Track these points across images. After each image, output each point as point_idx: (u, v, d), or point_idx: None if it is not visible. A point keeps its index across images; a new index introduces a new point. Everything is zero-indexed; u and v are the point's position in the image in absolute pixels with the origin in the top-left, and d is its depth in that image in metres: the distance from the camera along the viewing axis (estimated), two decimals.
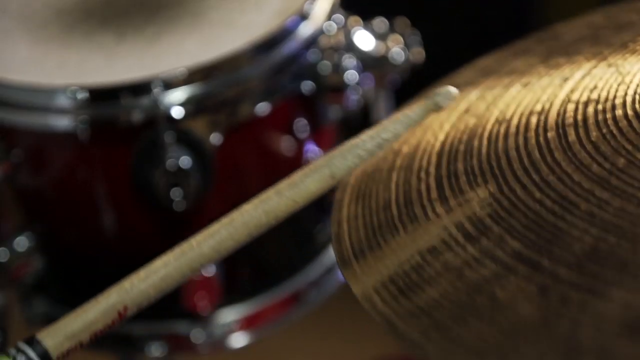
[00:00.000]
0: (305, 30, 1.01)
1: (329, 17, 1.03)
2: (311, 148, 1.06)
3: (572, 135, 0.70)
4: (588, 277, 0.60)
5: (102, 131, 0.97)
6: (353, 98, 1.04)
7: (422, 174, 0.73)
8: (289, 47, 0.99)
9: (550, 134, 0.71)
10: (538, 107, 0.75)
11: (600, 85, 0.74)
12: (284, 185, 0.75)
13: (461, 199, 0.69)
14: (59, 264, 1.08)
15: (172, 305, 1.02)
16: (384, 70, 1.07)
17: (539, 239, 0.63)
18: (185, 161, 0.95)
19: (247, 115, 0.99)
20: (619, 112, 0.70)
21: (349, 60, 1.02)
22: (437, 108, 0.75)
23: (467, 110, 0.79)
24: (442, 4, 1.92)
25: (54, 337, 0.64)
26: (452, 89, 0.76)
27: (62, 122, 0.96)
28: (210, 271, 1.00)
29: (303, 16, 1.01)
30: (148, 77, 0.95)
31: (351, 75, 1.02)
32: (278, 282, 1.07)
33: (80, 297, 1.08)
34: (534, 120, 0.73)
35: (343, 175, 0.75)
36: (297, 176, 0.75)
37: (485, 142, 0.73)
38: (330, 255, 1.11)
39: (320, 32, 1.02)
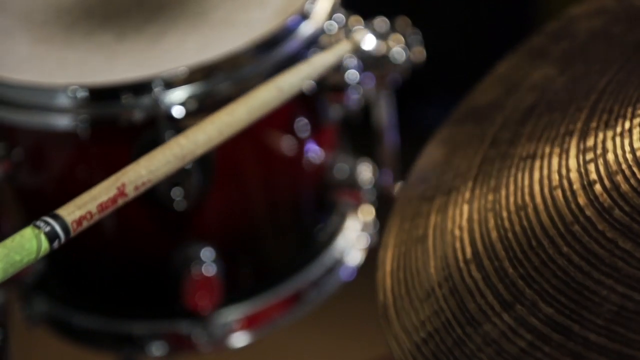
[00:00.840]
0: (306, 29, 1.01)
1: (329, 17, 1.03)
2: (312, 147, 1.06)
3: (593, 173, 0.69)
4: (617, 342, 0.60)
5: (102, 130, 0.97)
6: (354, 97, 1.04)
7: (457, 231, 0.73)
8: (290, 46, 0.99)
9: (572, 175, 0.70)
10: (559, 141, 0.73)
11: (617, 109, 0.73)
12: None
13: (494, 259, 0.69)
14: (59, 263, 1.08)
15: (173, 304, 1.02)
16: (385, 70, 1.07)
17: (570, 301, 0.63)
18: None
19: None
20: (637, 144, 0.68)
21: (349, 60, 1.02)
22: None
23: (492, 143, 0.79)
24: (443, 3, 1.92)
25: (67, 209, 0.73)
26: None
27: (63, 122, 0.96)
28: (211, 271, 1.00)
29: (304, 15, 1.01)
30: (149, 76, 0.95)
31: (352, 75, 1.02)
32: (279, 282, 1.07)
33: (81, 296, 1.09)
34: (555, 159, 0.72)
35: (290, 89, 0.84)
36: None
37: (512, 187, 0.73)
38: (330, 255, 1.11)
39: (321, 32, 1.02)
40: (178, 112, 0.95)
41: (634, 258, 0.63)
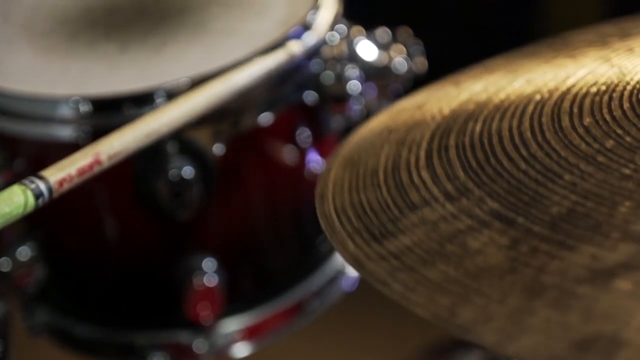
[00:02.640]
0: (308, 40, 1.01)
1: (331, 28, 1.03)
2: (314, 158, 1.06)
3: (565, 121, 0.72)
4: (560, 234, 0.62)
5: None
6: (356, 108, 1.04)
7: (414, 147, 0.76)
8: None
9: (544, 119, 0.73)
10: (537, 97, 0.77)
11: (601, 81, 0.76)
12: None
13: (447, 167, 0.71)
14: (61, 273, 1.08)
15: (174, 315, 1.02)
16: (386, 80, 1.07)
17: (519, 201, 0.65)
18: (187, 171, 0.95)
19: (250, 125, 0.99)
20: (615, 103, 0.72)
21: (351, 71, 1.02)
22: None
23: (468, 99, 0.81)
24: (445, 13, 1.92)
25: (50, 171, 0.80)
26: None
27: (65, 132, 0.96)
28: (212, 281, 1.00)
29: (306, 26, 1.01)
30: (151, 87, 0.95)
31: (354, 86, 1.02)
32: (280, 292, 1.07)
33: (83, 307, 1.09)
34: (531, 107, 0.76)
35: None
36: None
37: (480, 123, 0.76)
38: (332, 265, 1.11)
39: (322, 43, 1.02)
40: None
41: (594, 178, 0.65)
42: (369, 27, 1.08)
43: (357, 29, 1.08)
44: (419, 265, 0.63)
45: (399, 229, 0.67)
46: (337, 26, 1.04)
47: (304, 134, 1.04)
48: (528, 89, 0.79)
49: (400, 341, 1.76)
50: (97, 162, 0.83)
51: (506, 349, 0.56)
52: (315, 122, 1.05)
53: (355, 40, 1.06)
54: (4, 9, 1.11)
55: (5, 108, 0.98)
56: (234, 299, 1.03)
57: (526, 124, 0.73)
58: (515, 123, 0.74)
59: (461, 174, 0.70)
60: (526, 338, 0.56)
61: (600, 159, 0.67)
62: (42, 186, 0.79)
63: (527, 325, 0.56)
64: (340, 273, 1.11)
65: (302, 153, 1.05)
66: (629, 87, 0.74)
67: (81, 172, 0.82)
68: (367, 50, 1.07)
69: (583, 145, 0.69)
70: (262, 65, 0.95)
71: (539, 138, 0.71)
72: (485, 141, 0.73)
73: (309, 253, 1.10)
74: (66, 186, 0.81)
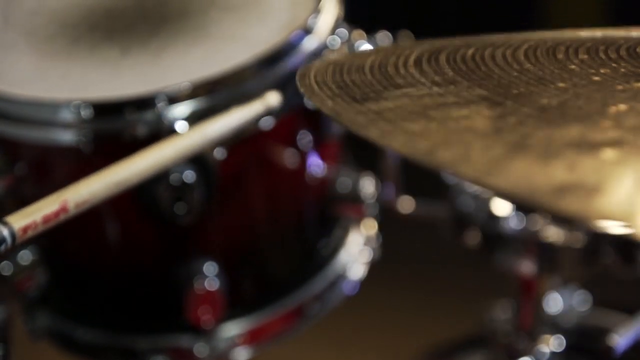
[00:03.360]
0: (309, 44, 1.01)
1: (332, 31, 1.03)
2: (315, 161, 1.06)
3: (561, 55, 0.72)
4: (550, 115, 0.61)
5: (106, 145, 0.97)
6: None
7: (402, 56, 0.75)
8: (293, 61, 0.99)
9: (539, 52, 0.73)
10: (531, 42, 0.77)
11: (598, 37, 0.76)
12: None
13: (436, 67, 0.71)
14: (62, 277, 1.08)
15: (175, 318, 1.02)
16: None
17: (508, 92, 0.65)
18: (188, 175, 0.95)
19: (251, 129, 0.99)
20: (611, 50, 0.72)
21: None
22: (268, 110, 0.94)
23: (461, 40, 0.81)
24: (445, 17, 1.92)
25: (15, 217, 0.79)
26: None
27: (66, 136, 0.96)
28: (214, 285, 1.00)
29: (307, 30, 1.01)
30: (152, 91, 0.95)
31: None
32: (281, 296, 1.07)
33: (84, 310, 1.09)
34: (525, 45, 0.75)
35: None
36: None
37: (472, 49, 0.75)
38: (333, 269, 1.11)
39: (324, 46, 1.02)
40: (181, 127, 0.95)
41: (587, 88, 0.65)
42: (370, 31, 1.09)
43: (358, 32, 1.08)
44: (400, 120, 0.62)
45: (381, 97, 0.66)
46: (338, 30, 1.04)
47: (305, 138, 1.04)
48: (523, 37, 0.79)
49: (401, 345, 1.76)
50: (64, 209, 0.82)
51: (486, 184, 0.54)
52: (316, 126, 1.05)
53: (356, 44, 1.06)
54: (5, 13, 1.11)
55: (6, 112, 0.98)
56: (235, 302, 1.03)
57: (521, 52, 0.73)
58: (509, 51, 0.73)
59: (450, 73, 0.69)
60: (506, 176, 0.54)
61: (595, 78, 0.67)
62: (5, 232, 0.77)
63: (508, 168, 0.55)
64: (341, 277, 1.11)
65: (303, 157, 1.05)
66: (626, 44, 0.73)
67: (46, 219, 0.80)
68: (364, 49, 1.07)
69: (578, 69, 0.68)
70: (238, 116, 0.94)
71: (533, 60, 0.71)
72: (477, 58, 0.72)
73: (309, 257, 1.10)
74: (30, 233, 0.79)
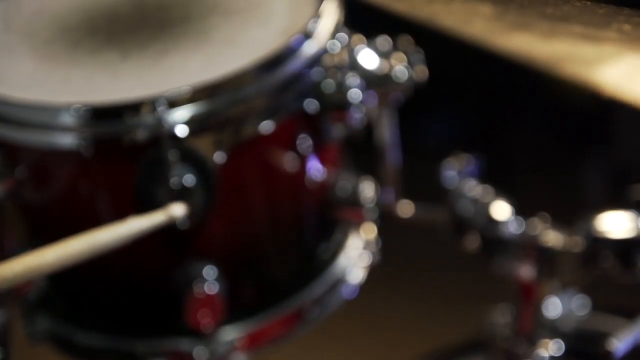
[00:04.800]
0: (309, 48, 1.01)
1: (332, 36, 1.03)
2: (314, 166, 1.06)
3: None
4: (553, 17, 0.62)
5: (106, 149, 0.97)
6: (357, 116, 1.04)
7: None
8: (293, 65, 1.00)
9: None
10: None
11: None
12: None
13: None
14: (61, 280, 1.08)
15: (175, 322, 1.02)
16: (387, 89, 1.07)
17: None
18: (189, 179, 0.95)
19: (251, 133, 0.99)
20: None
21: (352, 79, 1.02)
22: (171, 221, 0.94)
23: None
24: None
25: None
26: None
27: (66, 140, 0.96)
28: (213, 289, 1.00)
29: (307, 35, 1.01)
30: (152, 95, 0.95)
31: (355, 94, 1.02)
32: (281, 300, 1.07)
33: (83, 314, 1.09)
34: None
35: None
36: None
37: None
38: (333, 273, 1.11)
39: (324, 51, 1.02)
40: (181, 131, 0.95)
41: None
42: (370, 36, 1.09)
43: (358, 37, 1.08)
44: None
45: None
46: (338, 34, 1.04)
47: (304, 142, 1.04)
48: None
49: (400, 349, 1.76)
50: None
51: (489, 45, 0.55)
52: (316, 131, 1.05)
53: (356, 49, 1.07)
54: (5, 17, 1.11)
55: (7, 116, 0.98)
56: (235, 306, 1.03)
57: None
58: None
59: None
60: (509, 42, 0.55)
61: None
62: None
63: (511, 38, 0.55)
64: (340, 281, 1.11)
65: (303, 161, 1.05)
66: None
67: None
68: (368, 58, 1.07)
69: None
70: (134, 225, 0.94)
71: None
72: None
73: (309, 261, 1.10)
74: None
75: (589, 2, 0.70)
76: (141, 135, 0.95)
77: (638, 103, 0.51)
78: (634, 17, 0.64)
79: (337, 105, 1.03)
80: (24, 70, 1.02)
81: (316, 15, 1.02)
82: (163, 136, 0.95)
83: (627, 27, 0.61)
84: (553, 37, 0.55)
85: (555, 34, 0.56)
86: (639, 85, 0.52)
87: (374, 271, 1.15)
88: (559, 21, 0.60)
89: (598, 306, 1.39)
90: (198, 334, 1.02)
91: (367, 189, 1.11)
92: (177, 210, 0.95)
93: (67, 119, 0.96)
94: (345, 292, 1.12)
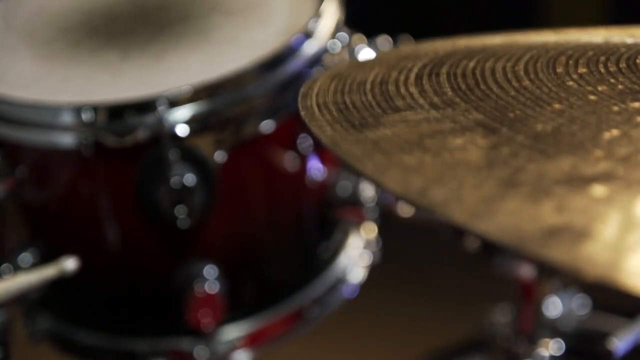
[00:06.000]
0: (310, 48, 1.01)
1: (333, 35, 1.04)
2: (315, 165, 1.06)
3: (560, 69, 0.73)
4: (543, 144, 0.62)
5: (106, 149, 0.97)
6: None
7: (404, 70, 0.76)
8: (294, 65, 1.00)
9: (539, 64, 0.74)
10: (533, 51, 0.77)
11: (600, 47, 0.77)
12: None
13: (436, 87, 0.72)
14: (62, 280, 1.08)
15: (176, 321, 1.02)
16: None
17: (504, 116, 0.66)
18: (189, 179, 0.96)
19: (252, 132, 0.99)
20: (611, 62, 0.73)
21: None
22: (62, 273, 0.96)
23: (465, 46, 0.82)
24: (446, 21, 1.93)
25: None
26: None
27: (67, 139, 0.96)
28: (214, 288, 1.00)
29: (307, 34, 1.01)
30: (153, 94, 0.95)
31: None
32: (281, 299, 1.07)
33: (84, 313, 1.09)
34: (526, 56, 0.76)
35: None
36: None
37: (474, 61, 0.76)
38: (333, 272, 1.11)
39: (324, 50, 1.03)
40: (182, 130, 0.95)
41: (583, 110, 0.66)
42: (370, 35, 1.09)
43: (359, 36, 1.08)
44: (395, 151, 0.63)
45: (379, 123, 0.67)
46: (338, 34, 1.04)
47: (305, 141, 1.04)
48: (528, 41, 0.80)
49: (400, 348, 1.76)
50: None
51: (475, 228, 0.55)
52: None
53: (356, 48, 1.07)
54: (6, 17, 1.11)
55: (7, 115, 0.98)
56: (235, 306, 1.04)
57: (521, 66, 0.74)
58: (509, 64, 0.74)
59: (449, 92, 0.70)
60: (495, 220, 0.55)
61: (592, 97, 0.67)
62: None
63: (498, 209, 0.56)
64: (340, 280, 1.12)
65: (303, 161, 1.05)
66: (627, 53, 0.74)
67: None
68: (368, 58, 1.07)
69: (575, 86, 0.69)
70: (22, 280, 0.96)
71: (532, 76, 0.72)
72: (478, 73, 0.73)
73: (309, 260, 1.10)
74: None
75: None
76: (142, 134, 0.95)
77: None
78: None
79: None
80: (25, 70, 1.02)
81: (317, 14, 1.02)
82: (163, 136, 0.95)
83: (615, 134, 0.62)
84: (541, 196, 0.56)
85: (543, 187, 0.57)
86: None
87: (374, 271, 1.15)
88: (549, 145, 0.62)
89: (598, 306, 1.39)
90: (199, 334, 1.02)
91: (367, 189, 1.11)
92: (69, 265, 0.98)
93: (68, 119, 0.96)
94: (346, 292, 1.12)
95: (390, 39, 1.08)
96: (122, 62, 1.01)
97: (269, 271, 1.09)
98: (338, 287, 1.11)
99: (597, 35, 0.83)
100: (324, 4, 1.03)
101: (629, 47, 0.76)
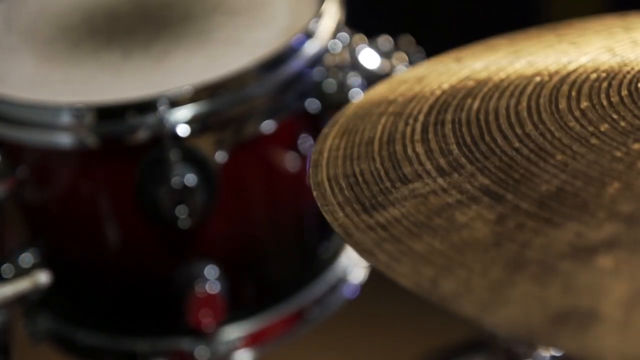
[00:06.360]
0: (311, 48, 1.01)
1: (334, 36, 1.04)
2: None
3: (562, 104, 0.73)
4: (547, 211, 0.63)
5: (107, 149, 0.97)
6: None
7: (410, 120, 0.77)
8: (295, 65, 1.00)
9: (542, 100, 0.74)
10: (537, 79, 0.78)
11: (602, 68, 0.77)
12: None
13: (442, 142, 0.72)
14: (63, 280, 1.08)
15: (176, 322, 1.02)
16: None
17: (509, 178, 0.66)
18: (190, 179, 0.96)
19: (253, 133, 0.99)
20: (613, 89, 0.73)
21: (353, 78, 1.02)
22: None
23: (468, 77, 0.82)
24: (446, 21, 1.93)
25: None
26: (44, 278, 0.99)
27: (68, 140, 0.96)
28: (214, 288, 1.00)
29: (308, 34, 1.01)
30: (154, 95, 0.95)
31: (356, 93, 1.02)
32: (282, 300, 1.07)
33: (85, 313, 1.09)
34: (530, 88, 0.76)
35: None
36: None
37: (478, 100, 0.77)
38: (334, 272, 1.11)
39: (325, 51, 1.03)
40: (183, 130, 0.95)
41: (585, 159, 0.66)
42: (371, 35, 1.09)
43: (360, 37, 1.08)
44: (405, 237, 0.64)
45: (389, 201, 0.68)
46: (339, 34, 1.04)
47: (306, 141, 1.04)
48: (529, 71, 0.80)
49: (401, 348, 1.76)
50: None
51: (484, 322, 0.56)
52: (317, 130, 1.05)
53: (357, 48, 1.07)
54: (7, 17, 1.11)
55: (8, 115, 0.98)
56: (236, 306, 1.04)
57: (524, 103, 0.74)
58: (513, 102, 0.75)
59: (455, 149, 0.71)
60: (504, 311, 0.56)
61: (594, 141, 0.68)
62: None
63: (506, 298, 0.57)
64: (341, 281, 1.12)
65: (304, 161, 1.05)
66: (628, 76, 0.74)
67: None
68: (369, 58, 1.07)
69: (578, 127, 0.70)
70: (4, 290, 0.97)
71: (535, 118, 0.72)
72: (482, 117, 0.74)
73: (310, 260, 1.10)
74: None
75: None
76: (143, 135, 0.95)
77: None
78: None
79: (339, 104, 1.02)
80: (26, 70, 1.02)
81: (317, 15, 1.02)
82: (164, 136, 0.95)
83: (618, 187, 0.63)
84: (547, 275, 0.57)
85: (549, 264, 0.58)
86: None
87: (374, 271, 1.14)
88: (553, 210, 0.62)
89: None
90: (199, 334, 1.02)
91: None
92: (43, 278, 0.98)
93: (68, 119, 0.96)
94: (346, 292, 1.12)
95: (390, 38, 1.08)
96: (123, 62, 1.01)
97: (269, 271, 1.09)
98: (339, 287, 1.11)
99: (598, 38, 0.83)
100: (324, 4, 1.03)
101: (631, 65, 0.76)
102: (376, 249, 0.64)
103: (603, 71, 0.76)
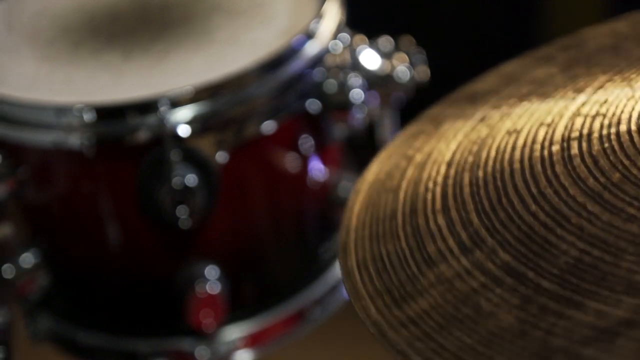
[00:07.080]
0: (311, 49, 1.01)
1: (334, 36, 1.04)
2: (316, 166, 1.07)
3: (574, 149, 0.72)
4: (568, 290, 0.62)
5: (108, 149, 0.97)
6: (358, 116, 1.04)
7: (430, 184, 0.76)
8: (295, 65, 1.00)
9: (554, 147, 0.73)
10: (548, 119, 0.76)
11: (610, 99, 0.76)
12: None
13: (462, 211, 0.71)
14: (64, 280, 1.08)
15: (177, 322, 1.02)
16: (389, 89, 1.07)
17: (529, 251, 0.66)
18: (191, 179, 0.96)
19: (253, 133, 0.99)
20: (623, 127, 0.72)
21: (354, 79, 1.02)
22: None
23: (482, 119, 0.81)
24: (447, 22, 1.93)
25: None
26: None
27: (69, 140, 0.96)
28: (215, 288, 1.00)
29: (309, 35, 1.01)
30: (154, 95, 0.95)
31: (356, 94, 1.02)
32: (283, 300, 1.07)
33: (85, 314, 1.09)
34: (542, 132, 0.75)
35: None
36: None
37: (493, 153, 0.76)
38: (334, 273, 1.11)
39: (326, 51, 1.03)
40: (183, 131, 0.95)
41: (600, 220, 0.66)
42: (372, 36, 1.09)
43: (360, 37, 1.08)
44: (435, 333, 0.64)
45: (417, 290, 0.67)
46: (340, 35, 1.05)
47: (306, 142, 1.04)
48: (540, 108, 0.79)
49: None
50: None
51: None
52: (318, 131, 1.05)
53: (358, 49, 1.07)
54: (8, 17, 1.11)
55: (9, 116, 0.98)
56: (237, 306, 1.04)
57: (537, 154, 0.73)
58: (527, 153, 0.74)
59: (475, 218, 0.71)
60: None
61: (607, 196, 0.67)
62: None
63: None
64: (342, 281, 1.11)
65: (305, 161, 1.05)
66: (637, 108, 0.73)
67: None
68: (369, 58, 1.07)
69: (590, 180, 0.69)
70: None
71: (549, 172, 0.71)
72: (498, 176, 0.73)
73: (311, 261, 1.10)
74: None
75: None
76: (143, 135, 0.95)
77: None
78: None
79: (339, 105, 1.03)
80: (26, 70, 1.02)
81: (318, 15, 1.03)
82: (165, 136, 0.95)
83: (631, 261, 0.63)
84: None
85: (572, 354, 0.59)
86: None
87: None
88: (572, 288, 0.62)
89: None
90: (200, 334, 1.02)
91: None
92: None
93: (70, 119, 0.96)
94: (347, 293, 1.12)
95: (391, 39, 1.09)
96: (123, 62, 1.01)
97: (270, 272, 1.09)
98: (339, 288, 1.11)
99: (609, 65, 0.82)
100: (325, 4, 1.03)
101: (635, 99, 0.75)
102: (409, 349, 0.63)
103: (612, 103, 0.75)
